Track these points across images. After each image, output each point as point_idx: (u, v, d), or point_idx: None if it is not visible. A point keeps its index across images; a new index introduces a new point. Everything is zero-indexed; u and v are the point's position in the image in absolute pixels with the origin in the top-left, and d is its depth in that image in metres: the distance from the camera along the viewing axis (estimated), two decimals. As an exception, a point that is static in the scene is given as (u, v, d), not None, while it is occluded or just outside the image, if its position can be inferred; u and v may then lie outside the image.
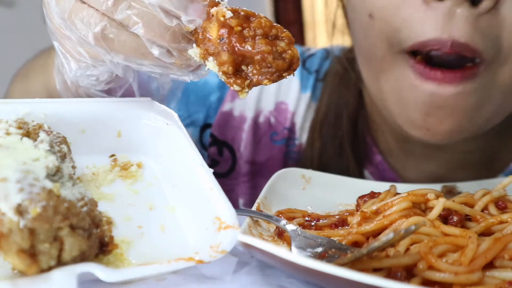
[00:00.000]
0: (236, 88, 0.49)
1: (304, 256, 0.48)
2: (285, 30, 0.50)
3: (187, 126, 0.91)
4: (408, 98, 0.66)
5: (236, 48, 0.48)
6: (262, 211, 0.58)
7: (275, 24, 0.49)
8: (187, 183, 0.52)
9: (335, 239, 0.53)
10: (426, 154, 0.82)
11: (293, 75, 0.50)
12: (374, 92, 0.74)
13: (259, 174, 0.91)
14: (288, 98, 0.90)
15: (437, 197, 0.56)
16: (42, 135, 0.47)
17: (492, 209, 0.56)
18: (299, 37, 3.65)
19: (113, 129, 0.59)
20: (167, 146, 0.58)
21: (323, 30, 3.68)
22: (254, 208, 0.57)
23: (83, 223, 0.42)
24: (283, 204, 0.62)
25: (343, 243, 0.52)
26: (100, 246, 0.45)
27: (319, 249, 0.50)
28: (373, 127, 0.86)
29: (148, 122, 0.59)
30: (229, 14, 0.49)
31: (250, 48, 0.48)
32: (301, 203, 0.64)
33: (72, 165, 0.49)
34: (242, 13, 0.49)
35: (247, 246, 0.45)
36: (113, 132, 0.59)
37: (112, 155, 0.59)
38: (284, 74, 0.49)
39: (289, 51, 0.49)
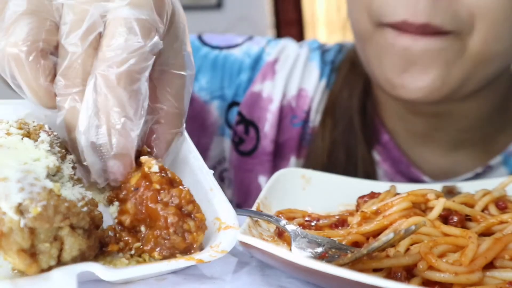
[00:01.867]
0: (120, 245, 0.45)
1: (304, 256, 0.48)
2: (202, 212, 0.46)
3: (216, 98, 0.97)
4: (387, 57, 0.77)
5: (144, 203, 0.45)
6: (262, 211, 0.58)
7: (194, 200, 0.46)
8: (188, 184, 0.52)
9: (335, 239, 0.53)
10: (427, 134, 0.89)
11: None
12: (364, 60, 0.84)
13: (278, 154, 0.96)
14: (309, 85, 0.97)
15: (437, 197, 0.56)
16: (43, 135, 0.47)
17: (492, 209, 0.56)
18: (299, 36, 3.65)
19: None
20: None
21: (323, 29, 3.68)
22: (254, 208, 0.57)
23: (83, 223, 0.42)
24: (283, 204, 0.62)
25: (343, 243, 0.52)
26: (100, 247, 0.45)
27: (319, 249, 0.50)
28: (380, 109, 0.93)
29: None
30: (155, 168, 0.46)
31: (158, 211, 0.45)
32: (301, 203, 0.64)
33: (72, 165, 0.49)
34: (169, 174, 0.47)
35: (247, 246, 0.45)
36: None
37: None
38: (177, 255, 0.45)
39: (194, 233, 0.45)
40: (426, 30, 0.72)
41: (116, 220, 0.47)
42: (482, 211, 0.57)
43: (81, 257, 0.42)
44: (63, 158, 0.48)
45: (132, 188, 0.46)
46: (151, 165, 0.46)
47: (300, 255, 0.48)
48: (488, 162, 0.88)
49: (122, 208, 0.47)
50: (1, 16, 0.46)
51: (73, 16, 0.46)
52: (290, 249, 0.50)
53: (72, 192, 0.43)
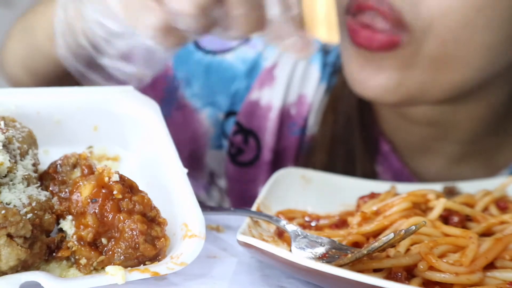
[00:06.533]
0: (83, 261, 0.43)
1: (304, 257, 0.48)
2: (163, 217, 0.45)
3: (207, 105, 0.93)
4: (348, 53, 0.75)
5: (105, 215, 0.43)
6: (262, 211, 0.58)
7: (155, 206, 0.45)
8: (161, 183, 0.49)
9: (335, 239, 0.53)
10: (426, 144, 0.86)
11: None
12: (341, 58, 0.81)
13: (277, 163, 0.93)
14: (309, 90, 0.93)
15: (438, 197, 0.56)
16: None
17: (493, 209, 0.56)
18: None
19: (90, 120, 0.56)
20: (146, 140, 0.55)
21: (323, 29, 3.68)
22: (254, 208, 0.57)
23: (24, 231, 0.40)
24: (283, 205, 0.62)
25: (343, 243, 0.52)
26: (50, 252, 0.44)
27: (319, 250, 0.50)
28: (378, 118, 0.90)
29: (128, 112, 0.56)
30: (116, 177, 0.43)
31: (123, 220, 0.42)
32: (301, 203, 0.64)
33: (33, 162, 0.46)
34: (126, 181, 0.44)
35: (247, 246, 0.45)
36: (91, 123, 0.56)
37: (90, 147, 0.56)
38: (147, 262, 0.43)
39: (162, 239, 0.44)
40: (381, 10, 0.68)
41: (75, 237, 0.43)
42: (483, 211, 0.56)
43: (23, 265, 0.41)
44: (23, 155, 0.46)
45: (89, 200, 0.43)
46: (111, 174, 0.44)
47: (300, 255, 0.48)
48: (494, 177, 0.84)
49: (79, 222, 0.44)
50: None
51: None
52: (290, 250, 0.50)
53: (18, 196, 0.41)
